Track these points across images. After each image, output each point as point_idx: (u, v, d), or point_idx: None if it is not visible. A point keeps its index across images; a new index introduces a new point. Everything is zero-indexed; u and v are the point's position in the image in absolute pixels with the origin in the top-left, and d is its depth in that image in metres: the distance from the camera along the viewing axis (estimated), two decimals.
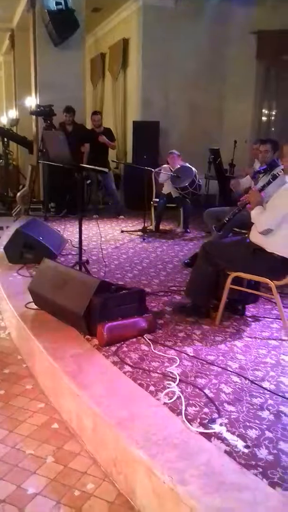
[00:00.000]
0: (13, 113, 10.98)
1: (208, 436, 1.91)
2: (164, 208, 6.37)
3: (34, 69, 8.16)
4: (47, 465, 2.05)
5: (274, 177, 3.15)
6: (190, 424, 1.98)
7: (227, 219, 3.38)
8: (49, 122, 7.26)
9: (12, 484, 1.93)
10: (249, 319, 3.30)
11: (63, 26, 7.38)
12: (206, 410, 2.10)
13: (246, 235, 3.26)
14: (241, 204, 3.31)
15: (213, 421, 2.01)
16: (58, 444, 2.20)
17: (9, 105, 11.93)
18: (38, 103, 7.86)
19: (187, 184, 6.00)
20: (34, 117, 8.19)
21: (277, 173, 3.13)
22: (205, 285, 3.23)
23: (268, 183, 3.20)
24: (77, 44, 7.90)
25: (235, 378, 2.41)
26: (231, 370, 2.50)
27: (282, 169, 3.07)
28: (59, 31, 7.39)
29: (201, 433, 1.93)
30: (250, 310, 3.44)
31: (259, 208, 3.03)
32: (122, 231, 6.33)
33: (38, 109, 7.50)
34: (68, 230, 6.18)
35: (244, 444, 1.86)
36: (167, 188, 6.36)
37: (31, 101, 8.59)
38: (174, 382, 2.33)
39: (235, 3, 8.24)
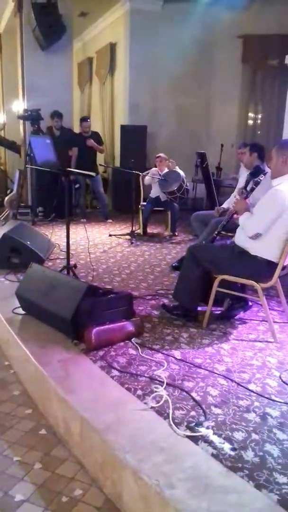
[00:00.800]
0: (0, 118, 10.93)
1: (195, 439, 1.92)
2: (151, 212, 6.39)
3: (21, 73, 8.15)
4: (34, 471, 2.04)
5: (257, 184, 3.19)
6: (177, 428, 1.99)
7: (216, 233, 3.43)
8: (36, 126, 7.25)
9: None
10: (236, 321, 3.32)
11: (50, 31, 7.38)
12: (193, 413, 2.11)
13: (232, 239, 3.29)
14: (229, 215, 3.36)
15: (200, 424, 2.02)
16: (46, 450, 2.19)
17: None
18: (25, 107, 7.85)
19: (175, 189, 6.04)
20: (21, 121, 8.17)
21: (259, 179, 3.17)
22: (192, 288, 3.25)
23: (252, 189, 3.23)
24: (64, 49, 7.91)
25: (222, 381, 2.43)
26: (218, 372, 2.52)
27: (264, 174, 3.10)
28: (46, 35, 7.39)
29: (188, 437, 1.93)
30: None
31: (247, 213, 3.07)
32: (110, 235, 6.33)
33: (26, 114, 7.48)
34: (56, 234, 6.15)
35: (231, 446, 1.88)
36: (155, 192, 6.39)
37: (19, 105, 8.57)
38: (162, 386, 2.34)
39: (221, 7, 8.31)
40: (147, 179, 6.30)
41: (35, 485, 1.96)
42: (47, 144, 4.01)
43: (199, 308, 3.42)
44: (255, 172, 3.37)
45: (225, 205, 4.75)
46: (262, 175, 3.09)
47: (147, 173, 6.41)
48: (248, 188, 3.29)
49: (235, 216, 3.24)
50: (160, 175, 6.25)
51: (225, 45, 8.52)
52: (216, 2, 7.87)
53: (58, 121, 7.21)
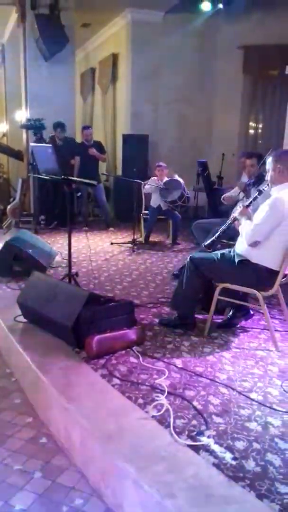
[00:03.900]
0: (3, 127, 11.01)
1: (196, 449, 1.91)
2: (156, 220, 6.41)
3: (24, 83, 8.22)
4: (35, 480, 2.04)
5: (260, 193, 3.21)
6: (178, 437, 1.98)
7: (216, 237, 3.43)
8: (39, 135, 7.30)
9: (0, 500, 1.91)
10: (237, 330, 3.32)
11: (53, 41, 7.46)
12: (194, 422, 2.11)
13: (233, 247, 3.29)
14: (231, 221, 3.36)
15: (201, 433, 2.02)
16: (46, 458, 2.18)
17: None
18: (28, 116, 7.91)
19: (176, 198, 6.06)
20: (24, 130, 8.23)
21: (263, 189, 3.18)
22: (191, 297, 3.26)
23: (255, 198, 3.25)
24: (67, 59, 7.99)
25: (223, 390, 2.42)
26: (219, 381, 2.51)
27: (268, 184, 3.11)
28: (49, 46, 7.47)
29: (189, 446, 1.93)
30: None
31: (247, 222, 3.08)
32: (112, 243, 6.34)
33: (28, 123, 7.54)
34: (58, 243, 6.18)
35: (232, 456, 1.87)
36: (155, 201, 6.40)
37: (22, 115, 8.64)
38: (163, 395, 2.33)
39: (222, 18, 8.40)
40: (147, 187, 6.32)
41: (35, 494, 1.95)
42: (49, 153, 4.03)
43: (200, 317, 3.42)
44: (259, 180, 3.38)
45: (227, 194, 4.78)
46: (267, 185, 3.10)
47: (147, 183, 6.44)
48: (251, 197, 3.30)
49: (236, 222, 3.25)
50: (160, 184, 6.27)
51: (226, 55, 8.58)
52: (217, 13, 7.96)
53: (60, 132, 7.26)
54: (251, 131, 8.74)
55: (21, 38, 8.17)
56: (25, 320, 3.33)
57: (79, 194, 7.58)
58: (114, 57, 9.07)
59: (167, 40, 8.30)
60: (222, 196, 4.83)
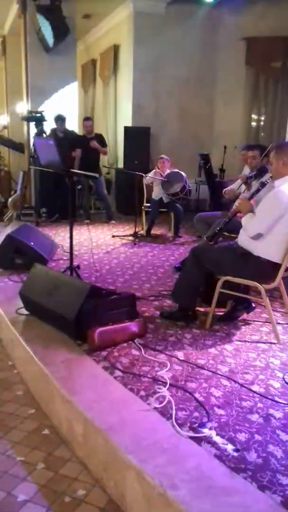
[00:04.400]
0: (4, 119, 10.97)
1: (198, 440, 1.92)
2: (158, 213, 6.40)
3: (25, 75, 8.18)
4: (37, 471, 2.05)
5: (263, 185, 3.17)
6: (180, 429, 1.99)
7: (218, 229, 3.41)
8: (40, 128, 7.28)
9: (2, 491, 1.92)
10: (239, 322, 3.32)
11: (54, 33, 7.41)
12: (196, 414, 2.11)
13: (235, 240, 3.29)
14: (232, 213, 3.34)
15: (203, 425, 2.02)
16: (49, 450, 2.20)
17: (0, 110, 11.92)
18: (29, 108, 7.88)
19: (178, 190, 6.04)
20: (25, 122, 8.20)
21: (266, 181, 3.16)
22: (192, 289, 3.26)
23: (257, 190, 3.22)
24: (68, 50, 7.95)
25: (225, 382, 2.43)
26: (221, 373, 2.52)
27: (271, 176, 3.09)
28: (50, 37, 7.42)
29: (191, 437, 1.94)
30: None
31: (250, 214, 3.07)
32: (113, 236, 6.34)
33: (30, 115, 7.51)
34: (60, 235, 6.18)
35: (234, 447, 1.87)
36: (157, 193, 6.39)
37: (23, 107, 8.60)
38: (165, 387, 2.34)
39: (225, 10, 8.33)
40: (148, 178, 6.30)
41: (38, 485, 1.96)
42: (51, 145, 4.01)
43: (202, 309, 3.42)
44: (261, 173, 3.37)
45: (228, 188, 4.77)
46: (270, 177, 3.08)
47: (149, 175, 6.41)
48: (253, 189, 3.28)
49: (238, 215, 3.23)
50: (162, 176, 6.25)
51: (229, 47, 8.52)
52: (220, 4, 7.89)
53: (61, 125, 7.23)
54: (253, 124, 8.69)
55: (22, 30, 8.13)
56: (27, 312, 3.33)
57: (79, 186, 7.57)
58: (116, 49, 9.00)
59: (169, 32, 8.24)
60: (224, 190, 4.82)
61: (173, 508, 1.59)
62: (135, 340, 2.90)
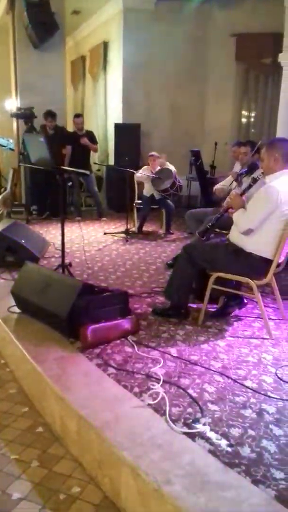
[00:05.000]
0: None
1: (192, 436, 1.93)
2: (149, 210, 6.40)
3: (14, 71, 8.10)
4: (32, 469, 2.04)
5: (255, 181, 3.19)
6: (174, 425, 2.00)
7: (209, 224, 3.41)
8: (30, 124, 7.22)
9: None
10: (231, 318, 3.34)
11: (43, 29, 7.35)
12: (189, 410, 2.12)
13: (227, 236, 3.30)
14: (224, 209, 3.35)
15: (196, 421, 2.03)
16: (43, 447, 2.19)
17: None
18: (18, 105, 7.81)
19: (168, 186, 6.04)
20: (14, 119, 8.13)
21: (257, 177, 3.17)
22: (185, 286, 3.27)
23: (249, 187, 3.24)
24: (57, 47, 7.89)
25: (218, 378, 2.44)
26: (214, 369, 2.53)
27: (262, 172, 3.10)
28: (39, 33, 7.36)
29: (185, 433, 1.94)
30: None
31: (241, 210, 3.08)
32: (105, 233, 6.32)
33: (19, 112, 7.44)
34: (51, 233, 6.15)
35: (228, 442, 1.88)
36: (149, 190, 6.38)
37: (12, 104, 8.53)
38: (158, 383, 2.34)
39: (215, 5, 8.32)
40: (139, 175, 6.29)
41: (32, 483, 1.96)
42: (41, 142, 3.98)
43: (194, 306, 3.43)
44: (252, 169, 3.38)
45: (218, 186, 4.78)
46: (261, 174, 3.09)
47: (139, 172, 6.41)
48: (245, 185, 3.29)
49: (230, 210, 3.24)
50: (152, 173, 6.24)
51: (219, 43, 8.52)
52: (210, 0, 7.88)
53: (51, 121, 7.18)
54: (244, 120, 8.72)
55: (10, 25, 8.05)
56: (19, 310, 3.32)
57: (70, 184, 7.54)
58: (105, 45, 8.96)
59: (159, 28, 8.21)
60: (214, 188, 4.84)
61: (168, 504, 1.60)
62: (128, 337, 2.90)
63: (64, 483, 1.96)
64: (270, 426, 2.02)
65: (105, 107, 9.34)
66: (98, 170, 9.00)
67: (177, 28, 8.31)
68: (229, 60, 8.42)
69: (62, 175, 4.07)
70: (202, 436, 1.93)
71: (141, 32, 8.16)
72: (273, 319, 3.33)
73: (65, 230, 4.02)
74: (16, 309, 3.33)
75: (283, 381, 2.42)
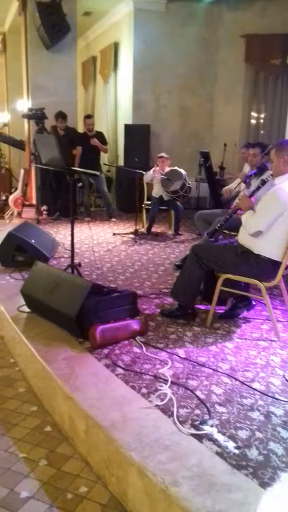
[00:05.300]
0: (4, 116, 10.96)
1: (199, 438, 1.93)
2: (158, 211, 6.41)
3: (26, 72, 8.17)
4: (40, 468, 2.06)
5: (264, 183, 3.18)
6: (182, 426, 2.00)
7: (218, 225, 3.41)
8: (41, 125, 7.27)
9: (5, 488, 1.93)
10: (240, 320, 3.33)
11: (54, 30, 7.40)
12: (197, 411, 2.13)
13: (235, 238, 3.30)
14: (232, 210, 3.35)
15: (204, 422, 2.04)
16: (51, 447, 2.21)
17: (0, 108, 11.90)
18: (30, 106, 7.87)
19: (178, 188, 6.05)
20: (26, 120, 8.19)
21: (266, 179, 3.16)
22: (192, 288, 3.27)
23: (258, 188, 3.23)
24: (68, 48, 7.95)
25: (226, 379, 2.44)
26: (222, 371, 2.53)
27: (271, 174, 3.10)
28: (51, 35, 7.41)
29: (193, 435, 1.95)
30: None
31: (250, 212, 3.08)
32: (114, 234, 6.35)
33: (30, 112, 7.50)
34: (61, 233, 6.19)
35: (235, 445, 1.89)
36: (158, 191, 6.39)
37: (23, 104, 8.59)
38: (166, 384, 2.35)
39: (224, 7, 8.32)
40: (148, 176, 6.30)
41: (40, 482, 1.97)
42: (52, 143, 4.01)
43: (202, 307, 3.44)
44: (261, 171, 3.37)
45: (227, 187, 4.79)
46: (270, 175, 3.09)
47: (148, 173, 6.42)
48: (254, 187, 3.29)
49: (239, 212, 3.24)
50: (162, 174, 6.25)
51: (228, 44, 8.52)
52: (220, 1, 7.88)
53: (62, 122, 7.23)
54: (253, 121, 8.69)
55: (23, 27, 8.12)
56: (28, 310, 3.34)
57: (80, 184, 7.58)
58: (116, 46, 8.99)
59: (169, 29, 8.24)
60: (222, 190, 4.84)
61: (174, 505, 1.60)
62: (136, 338, 2.91)
63: (71, 482, 1.97)
64: (278, 428, 2.01)
65: (115, 108, 9.38)
66: (108, 171, 9.04)
67: (187, 29, 8.33)
68: (238, 61, 8.42)
69: (72, 175, 4.09)
70: (209, 437, 1.93)
71: (152, 33, 8.20)
72: (281, 321, 3.32)
73: (75, 231, 4.04)
74: (26, 309, 3.36)
75: None
